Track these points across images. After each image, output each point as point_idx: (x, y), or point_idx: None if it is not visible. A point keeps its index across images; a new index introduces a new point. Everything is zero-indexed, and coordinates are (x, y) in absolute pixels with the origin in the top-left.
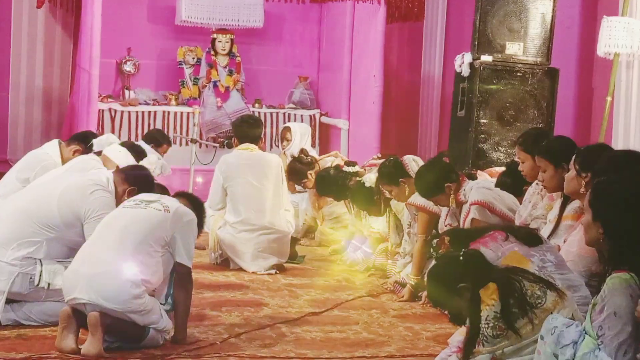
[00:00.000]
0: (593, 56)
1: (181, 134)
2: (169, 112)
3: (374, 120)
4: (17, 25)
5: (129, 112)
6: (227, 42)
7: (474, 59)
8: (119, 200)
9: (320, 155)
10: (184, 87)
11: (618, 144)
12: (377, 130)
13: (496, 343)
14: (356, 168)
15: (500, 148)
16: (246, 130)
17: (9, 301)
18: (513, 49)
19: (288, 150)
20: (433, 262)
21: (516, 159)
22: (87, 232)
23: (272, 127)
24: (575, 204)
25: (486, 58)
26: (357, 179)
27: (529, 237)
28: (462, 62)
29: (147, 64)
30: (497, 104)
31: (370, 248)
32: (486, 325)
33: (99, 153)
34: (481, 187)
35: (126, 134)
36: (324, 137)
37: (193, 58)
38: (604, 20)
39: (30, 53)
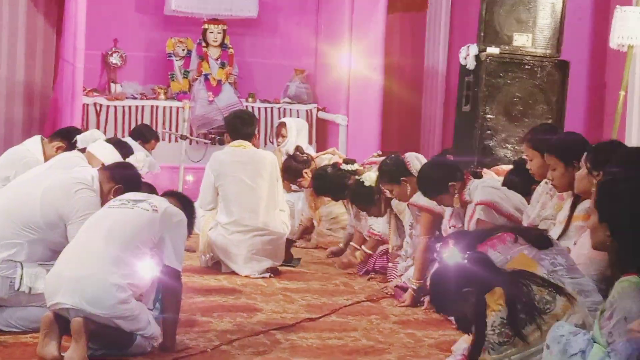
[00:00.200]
0: (605, 48)
1: (170, 130)
2: (157, 107)
3: (374, 115)
4: None
5: (115, 106)
6: (219, 33)
7: (480, 51)
8: (104, 199)
9: (317, 152)
10: (173, 80)
11: (632, 141)
12: (377, 126)
13: (502, 350)
14: (355, 166)
15: (507, 145)
16: (239, 126)
17: None
18: (521, 40)
19: (283, 147)
20: (436, 265)
21: (524, 157)
22: (70, 233)
23: (266, 123)
24: (586, 204)
25: (493, 50)
26: (356, 177)
27: (539, 239)
28: (468, 55)
29: (134, 56)
30: (504, 99)
31: (369, 250)
32: (492, 332)
33: (83, 150)
34: (487, 186)
35: (112, 129)
36: (322, 133)
37: (183, 50)
38: (617, 10)
39: (11, 44)
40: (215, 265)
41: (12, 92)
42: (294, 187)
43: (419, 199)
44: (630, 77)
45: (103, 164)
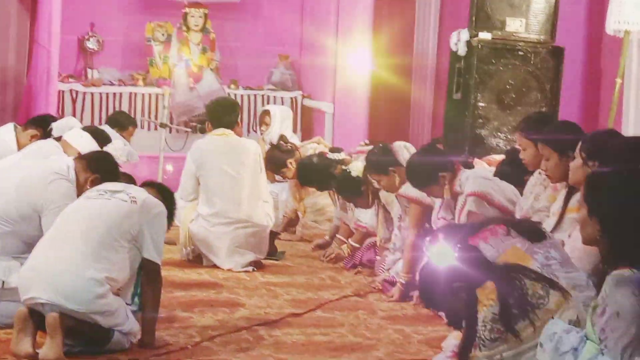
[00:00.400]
0: (602, 34)
1: (149, 117)
2: (136, 94)
3: (361, 103)
4: None
5: (92, 93)
6: (201, 17)
7: (471, 37)
8: (80, 190)
9: (302, 141)
10: (152, 66)
11: (628, 130)
12: (364, 114)
13: (494, 347)
14: (342, 155)
15: (499, 134)
16: (221, 114)
17: None
18: (514, 25)
19: (267, 136)
20: (425, 258)
21: (517, 146)
22: (45, 225)
23: (249, 111)
24: (580, 196)
25: (485, 35)
26: (343, 167)
27: (532, 232)
28: (459, 40)
29: (112, 40)
30: (496, 86)
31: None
32: (483, 328)
33: (58, 138)
34: (478, 176)
35: (89, 117)
36: (307, 121)
37: (163, 35)
38: None
39: None
40: (197, 259)
41: None
42: (278, 177)
43: (408, 189)
44: (627, 64)
45: (79, 153)
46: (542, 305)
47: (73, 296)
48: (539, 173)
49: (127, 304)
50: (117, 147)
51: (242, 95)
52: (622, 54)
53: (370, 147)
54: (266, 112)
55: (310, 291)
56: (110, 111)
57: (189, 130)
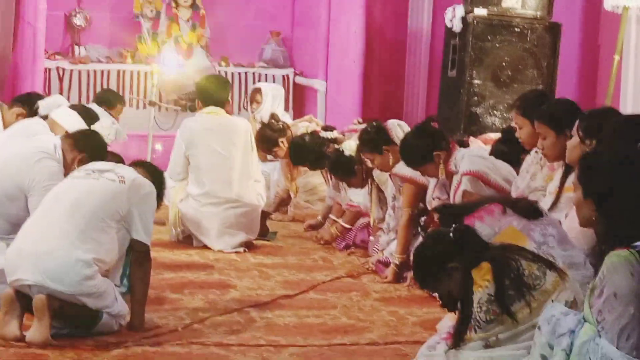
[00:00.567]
0: (599, 10)
1: (138, 95)
2: (124, 72)
3: (354, 81)
4: None
5: (79, 71)
6: None
7: (466, 13)
8: (68, 169)
9: (293, 120)
10: (141, 43)
11: (627, 108)
12: (358, 92)
13: (490, 329)
14: (334, 134)
15: (495, 112)
16: (211, 91)
17: None
18: (510, 1)
19: (258, 114)
20: (420, 239)
21: (513, 125)
22: (31, 205)
23: (240, 89)
24: None
25: (480, 12)
26: (336, 146)
27: (529, 210)
28: (454, 16)
29: (99, 17)
30: (492, 63)
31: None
32: (479, 309)
33: (45, 117)
34: (474, 155)
35: (76, 95)
36: (299, 99)
37: (151, 11)
38: None
39: None
40: (186, 240)
41: None
42: (269, 156)
43: (402, 169)
44: (625, 40)
45: (66, 132)
46: (538, 286)
47: (60, 278)
48: (536, 152)
49: (115, 285)
50: (105, 125)
51: (232, 73)
52: (620, 30)
53: (364, 125)
54: (257, 90)
55: (302, 272)
56: (98, 89)
57: (178, 108)
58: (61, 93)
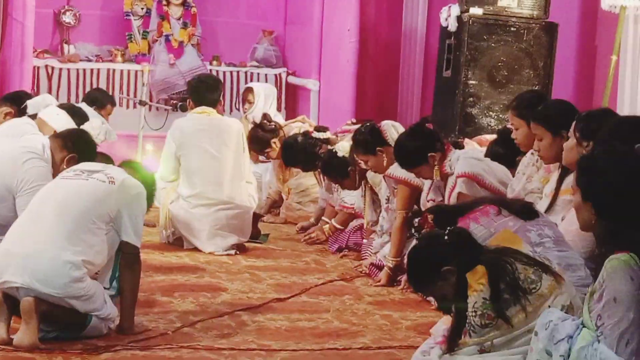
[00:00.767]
0: (597, 9)
1: (128, 95)
2: (114, 70)
3: (348, 80)
4: None
5: (69, 69)
6: None
7: (462, 12)
8: (56, 170)
9: (286, 120)
10: (131, 41)
11: (624, 109)
12: (351, 92)
13: (485, 333)
14: (327, 135)
15: (491, 113)
16: (203, 91)
17: None
18: (506, 0)
19: (250, 115)
20: (414, 241)
21: (509, 126)
22: (19, 206)
23: (232, 88)
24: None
25: (476, 11)
26: (329, 147)
27: (525, 211)
28: (449, 15)
29: (89, 14)
30: (487, 63)
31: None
32: (473, 313)
33: (33, 116)
34: (469, 157)
35: (65, 94)
36: (291, 99)
37: (142, 8)
38: None
39: None
40: (177, 242)
41: None
42: (261, 157)
43: (396, 170)
44: (622, 40)
45: (55, 132)
46: (534, 290)
47: (49, 280)
48: (532, 153)
49: (105, 288)
50: (95, 125)
51: (224, 72)
52: (617, 30)
53: (357, 126)
54: (249, 90)
55: (294, 275)
56: (88, 88)
57: (169, 108)
58: (50, 92)
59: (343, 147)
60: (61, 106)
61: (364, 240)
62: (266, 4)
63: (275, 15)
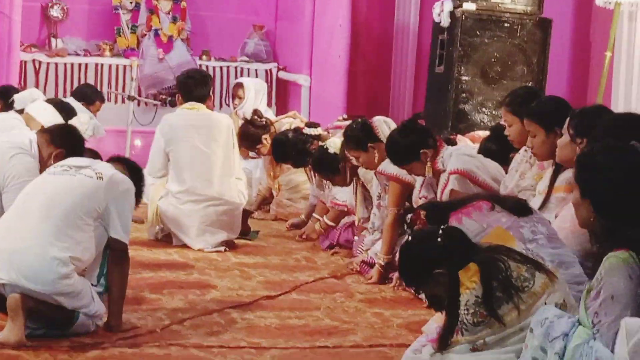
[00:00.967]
0: (591, 5)
1: (117, 90)
2: (102, 65)
3: (339, 76)
4: None
5: (56, 64)
6: None
7: (455, 7)
8: (43, 165)
9: (277, 116)
10: (120, 36)
11: (618, 106)
12: (343, 87)
13: (477, 332)
14: (318, 131)
15: (484, 109)
16: (192, 86)
17: None
18: None
19: (240, 110)
20: (406, 238)
21: (502, 122)
22: (6, 202)
23: (221, 83)
24: (568, 174)
25: (469, 6)
26: (320, 143)
27: (518, 207)
28: (442, 11)
29: (77, 8)
30: (480, 59)
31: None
32: (466, 312)
33: (21, 111)
34: (462, 154)
35: (53, 89)
36: (282, 95)
37: (131, 2)
38: None
39: None
40: (166, 238)
41: None
42: (251, 153)
43: (388, 167)
44: (617, 36)
45: (42, 127)
46: (527, 288)
47: (35, 276)
48: (525, 150)
49: (92, 285)
50: (83, 120)
51: (214, 67)
52: (611, 27)
53: (349, 122)
54: (239, 85)
55: (284, 272)
56: (75, 83)
57: (158, 103)
58: (37, 86)
59: (334, 143)
60: (49, 101)
61: (355, 238)
62: None
63: (266, 9)
